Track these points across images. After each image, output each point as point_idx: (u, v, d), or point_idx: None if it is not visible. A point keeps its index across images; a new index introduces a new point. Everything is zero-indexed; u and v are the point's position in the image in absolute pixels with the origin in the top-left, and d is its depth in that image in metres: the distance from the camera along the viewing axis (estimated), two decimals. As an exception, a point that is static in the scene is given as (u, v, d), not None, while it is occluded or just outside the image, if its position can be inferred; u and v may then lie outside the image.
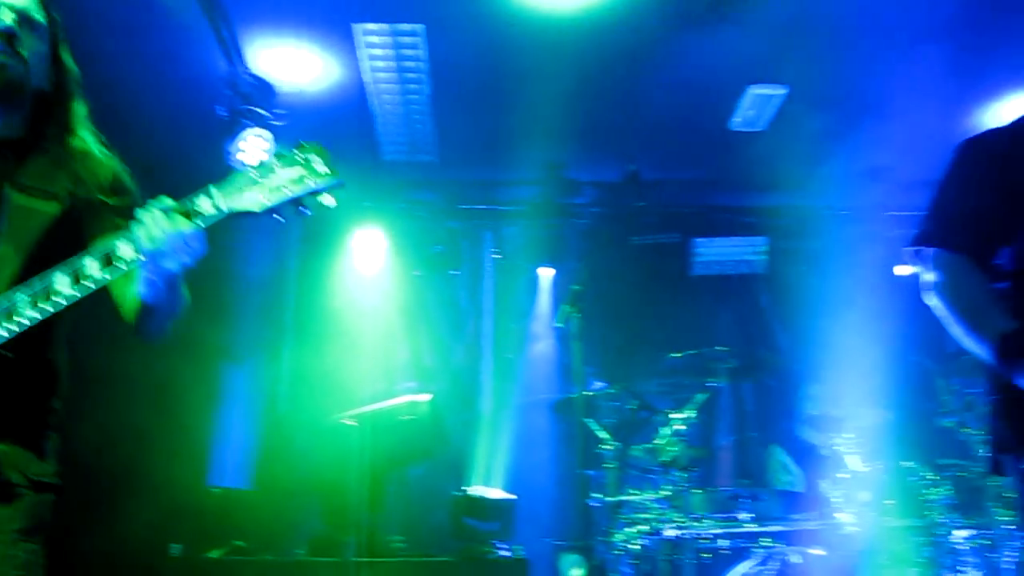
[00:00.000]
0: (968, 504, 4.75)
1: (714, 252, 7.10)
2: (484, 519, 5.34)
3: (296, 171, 1.85)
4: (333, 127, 5.85)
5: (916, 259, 2.32)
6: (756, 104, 5.79)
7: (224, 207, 1.85)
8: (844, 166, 6.50)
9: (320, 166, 1.85)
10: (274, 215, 1.88)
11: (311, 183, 1.85)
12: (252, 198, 1.85)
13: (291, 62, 5.26)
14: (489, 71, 5.34)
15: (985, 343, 2.04)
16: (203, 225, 1.85)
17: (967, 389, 5.15)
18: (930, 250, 2.26)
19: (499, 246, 7.10)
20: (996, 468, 2.15)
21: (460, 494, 5.49)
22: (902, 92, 5.35)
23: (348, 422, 5.28)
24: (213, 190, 1.86)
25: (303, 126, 5.70)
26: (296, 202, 1.87)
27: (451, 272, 6.91)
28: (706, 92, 5.61)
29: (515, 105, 5.63)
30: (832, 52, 5.20)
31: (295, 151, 1.87)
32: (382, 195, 6.82)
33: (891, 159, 6.37)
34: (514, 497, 5.55)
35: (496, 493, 5.53)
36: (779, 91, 5.64)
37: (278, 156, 1.87)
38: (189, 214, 1.84)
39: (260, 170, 1.86)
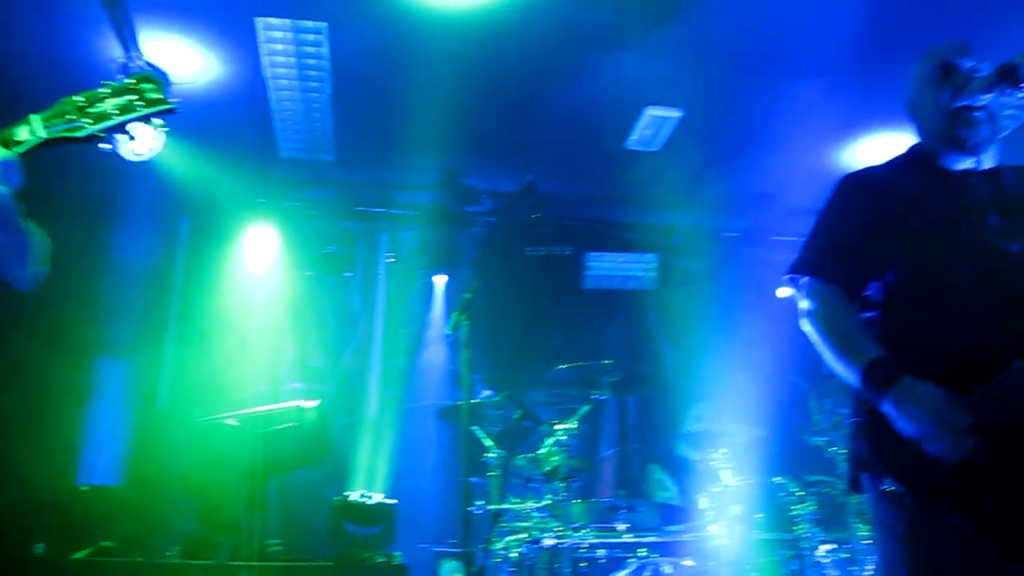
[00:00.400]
0: (831, 519, 4.97)
1: (605, 267, 7.23)
2: (364, 524, 5.29)
3: (126, 97, 1.82)
4: (230, 120, 5.74)
5: (792, 286, 2.44)
6: (652, 125, 5.93)
7: (43, 133, 1.79)
8: (733, 190, 6.73)
9: (154, 93, 1.83)
10: (99, 143, 1.84)
11: (141, 109, 1.82)
12: (75, 124, 1.80)
13: (189, 53, 5.13)
14: (391, 73, 5.32)
15: (852, 369, 2.14)
16: (20, 152, 1.79)
17: (838, 409, 5.39)
18: (805, 279, 2.37)
19: (394, 250, 7.06)
20: (855, 486, 2.26)
21: (340, 499, 5.43)
22: (787, 123, 5.58)
23: (229, 422, 5.16)
24: (33, 117, 1.81)
25: (199, 117, 5.58)
26: (121, 127, 1.83)
27: (344, 274, 6.83)
28: (605, 110, 5.72)
29: (415, 109, 5.62)
30: (726, 79, 5.39)
31: (126, 79, 1.84)
32: (276, 192, 6.71)
33: (776, 186, 6.63)
34: (394, 502, 5.52)
35: (377, 498, 5.48)
36: (675, 114, 5.79)
37: (107, 84, 1.84)
38: (7, 143, 1.78)
39: (87, 96, 1.82)
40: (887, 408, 2.04)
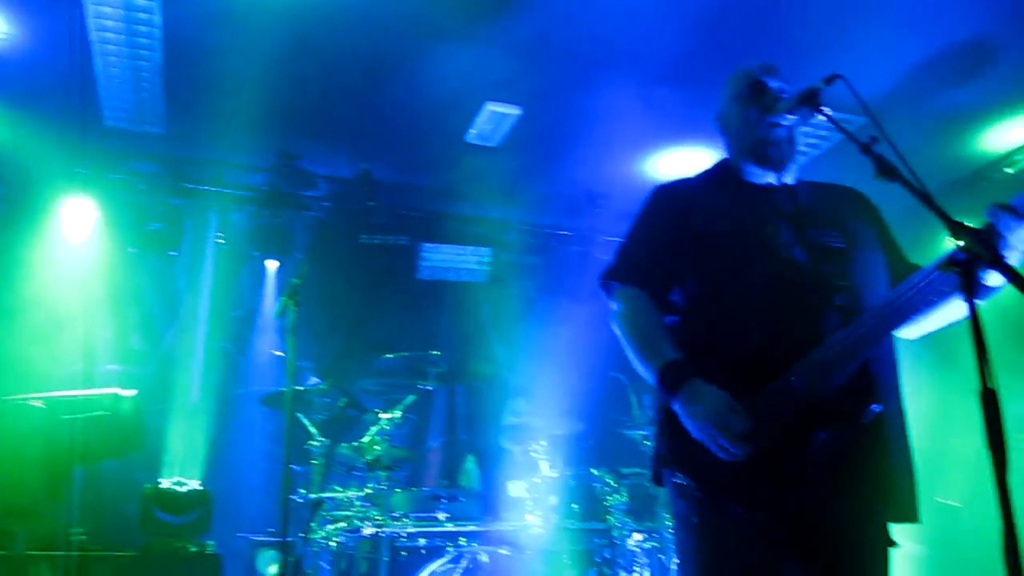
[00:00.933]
0: (643, 510, 5.20)
1: (440, 258, 7.26)
2: (176, 512, 5.12)
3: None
4: (49, 84, 5.39)
5: (604, 290, 2.55)
6: (492, 120, 6.00)
7: None
8: (566, 189, 6.91)
9: None
10: None
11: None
12: None
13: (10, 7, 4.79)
14: (227, 47, 5.13)
15: (650, 370, 2.27)
16: None
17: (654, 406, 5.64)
18: (615, 283, 2.50)
19: (223, 231, 6.83)
20: (656, 479, 2.39)
21: (152, 486, 5.23)
22: (617, 126, 5.79)
23: (35, 403, 4.89)
24: None
25: (14, 78, 5.24)
26: None
27: (168, 253, 6.55)
28: (445, 102, 5.74)
29: (251, 86, 5.47)
30: (563, 80, 5.51)
31: None
32: (98, 163, 6.35)
33: (606, 187, 6.86)
34: (208, 490, 5.36)
35: (193, 485, 5.31)
36: (514, 111, 5.88)
37: None
38: None
39: None
40: (676, 407, 2.18)
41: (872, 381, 2.16)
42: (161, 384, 6.34)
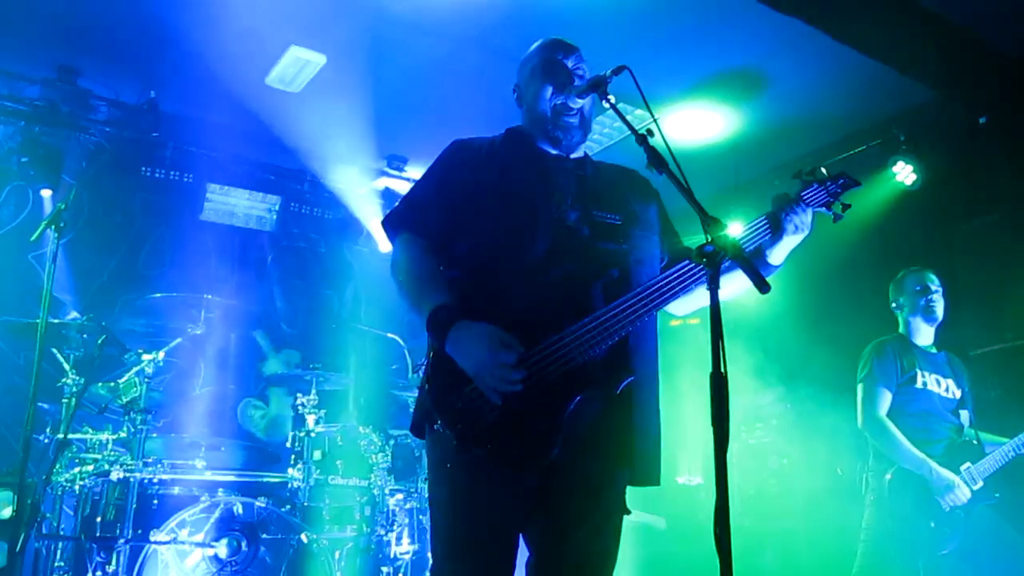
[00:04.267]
0: (405, 470, 5.28)
1: (227, 201, 6.97)
2: None
3: None
4: None
5: (387, 233, 2.59)
6: (295, 65, 5.82)
7: None
8: (366, 147, 6.83)
9: None
10: None
11: None
12: None
13: None
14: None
15: (422, 313, 2.33)
16: None
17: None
18: (398, 228, 2.55)
19: (-13, 142, 6.23)
20: (416, 430, 2.45)
21: None
22: (418, 88, 5.80)
23: None
24: None
25: None
26: None
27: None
28: (248, 39, 5.51)
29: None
30: (371, 33, 5.42)
31: None
32: None
33: (406, 150, 6.86)
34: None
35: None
36: (319, 58, 5.74)
37: None
38: None
39: None
40: (447, 347, 2.24)
41: (630, 353, 2.32)
42: None
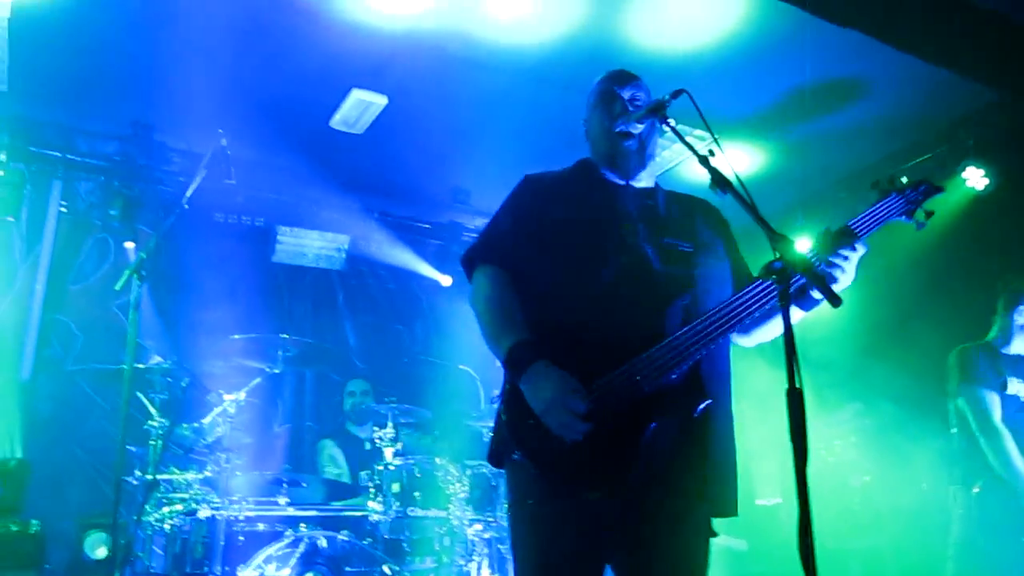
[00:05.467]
0: (483, 500, 5.29)
1: (297, 242, 7.15)
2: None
3: None
4: None
5: (465, 267, 2.66)
6: (357, 107, 5.98)
7: None
8: (430, 182, 6.96)
9: None
10: None
11: None
12: None
13: None
14: (78, 8, 4.93)
15: (500, 347, 2.37)
16: None
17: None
18: (476, 261, 2.60)
19: (69, 199, 6.51)
20: (493, 459, 2.47)
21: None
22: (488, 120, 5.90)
23: None
24: None
25: None
26: None
27: (6, 218, 6.18)
28: (311, 84, 5.69)
29: (105, 49, 5.29)
30: (430, 71, 5.54)
31: None
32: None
33: (474, 183, 6.96)
34: (22, 464, 5.09)
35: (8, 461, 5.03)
36: (381, 99, 5.88)
37: None
38: None
39: None
40: (521, 386, 2.28)
41: (704, 378, 2.31)
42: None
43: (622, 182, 2.61)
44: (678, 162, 6.38)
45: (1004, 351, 4.41)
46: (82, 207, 6.54)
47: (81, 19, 5.02)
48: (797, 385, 1.84)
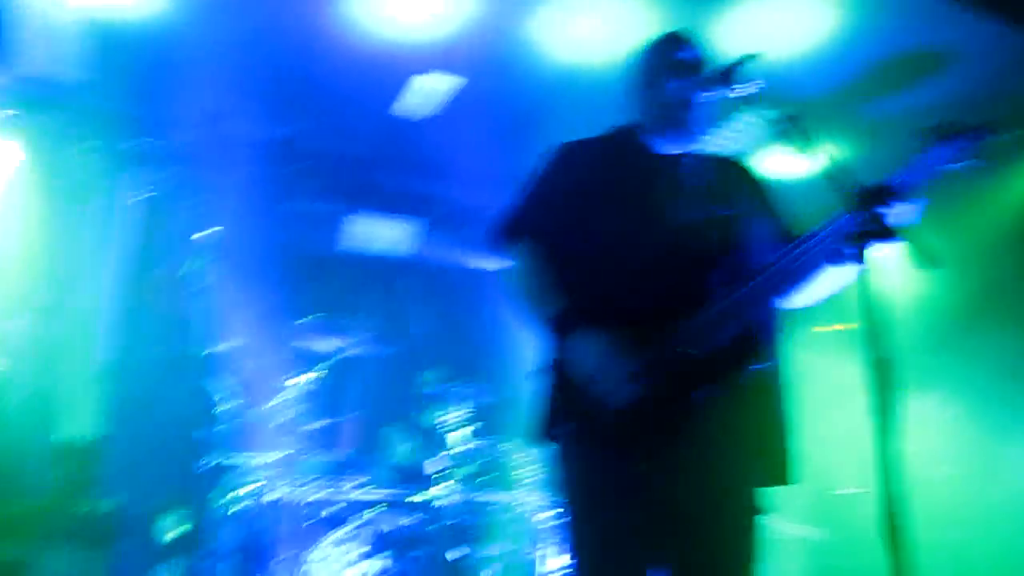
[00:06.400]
0: (550, 484, 5.21)
1: (368, 229, 7.17)
2: (64, 469, 4.94)
3: None
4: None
5: (499, 240, 2.57)
6: (424, 92, 5.92)
7: None
8: (497, 165, 6.86)
9: None
10: None
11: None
12: None
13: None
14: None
15: (542, 318, 2.35)
16: None
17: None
18: (510, 235, 2.54)
19: (143, 188, 6.62)
20: (539, 435, 2.38)
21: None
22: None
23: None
24: None
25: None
26: None
27: (84, 205, 6.32)
28: (374, 70, 5.65)
29: (180, 44, 5.35)
30: (499, 52, 5.45)
31: None
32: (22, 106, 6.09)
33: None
34: (94, 445, 5.19)
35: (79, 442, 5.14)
36: (453, 80, 5.81)
37: None
38: None
39: None
40: (567, 353, 2.25)
41: (752, 344, 2.24)
42: (68, 339, 6.13)
43: (664, 150, 2.52)
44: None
45: None
46: (157, 196, 6.65)
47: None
48: (884, 355, 1.74)
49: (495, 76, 5.70)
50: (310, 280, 6.73)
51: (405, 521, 4.70)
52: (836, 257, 2.20)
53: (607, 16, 5.10)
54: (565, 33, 5.30)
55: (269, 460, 4.95)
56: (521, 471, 5.12)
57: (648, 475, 2.18)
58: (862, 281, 1.90)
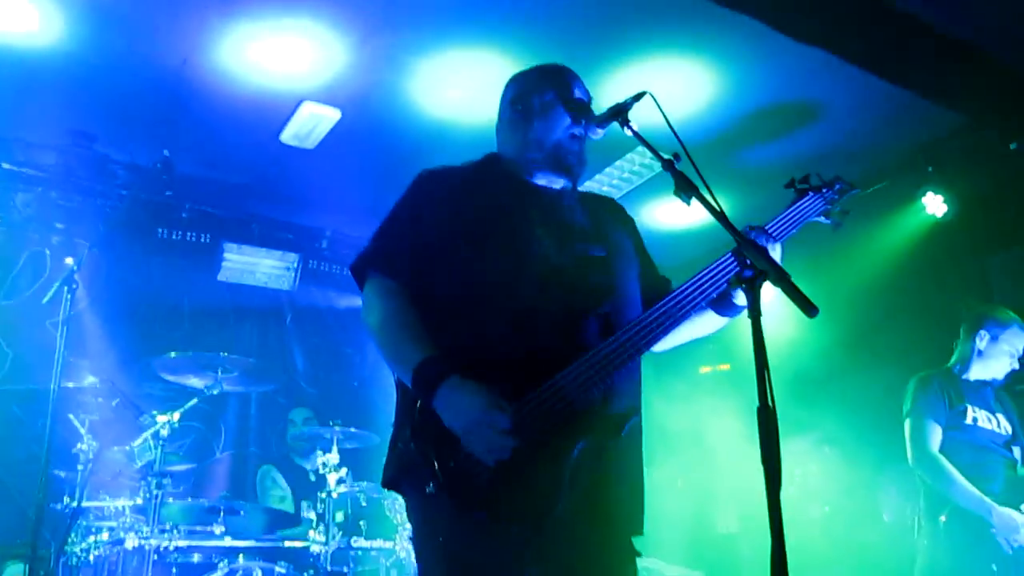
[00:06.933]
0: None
1: (244, 260, 6.90)
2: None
3: None
4: None
5: (356, 277, 2.37)
6: (309, 121, 5.78)
7: None
8: (383, 201, 6.75)
9: None
10: None
11: None
12: None
13: None
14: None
15: (404, 367, 2.11)
16: None
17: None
18: (369, 272, 2.32)
19: (3, 211, 6.21)
20: (392, 485, 2.22)
21: None
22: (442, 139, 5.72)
23: None
24: None
25: None
26: None
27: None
28: (261, 97, 5.48)
29: (45, 62, 5.05)
30: (384, 85, 5.38)
31: None
32: None
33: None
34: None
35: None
36: (334, 113, 5.69)
37: None
38: None
39: None
40: (435, 404, 2.02)
41: (629, 393, 2.18)
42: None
43: (542, 184, 2.40)
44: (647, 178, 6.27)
45: (964, 377, 4.32)
46: (17, 219, 6.25)
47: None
48: (769, 404, 1.70)
49: (377, 105, 5.61)
50: (185, 312, 6.42)
51: (279, 569, 4.47)
52: (717, 300, 2.21)
53: (481, 82, 5.15)
54: (439, 93, 5.35)
55: (131, 504, 4.65)
56: (403, 517, 4.95)
57: (523, 538, 2.04)
58: (741, 323, 1.89)
